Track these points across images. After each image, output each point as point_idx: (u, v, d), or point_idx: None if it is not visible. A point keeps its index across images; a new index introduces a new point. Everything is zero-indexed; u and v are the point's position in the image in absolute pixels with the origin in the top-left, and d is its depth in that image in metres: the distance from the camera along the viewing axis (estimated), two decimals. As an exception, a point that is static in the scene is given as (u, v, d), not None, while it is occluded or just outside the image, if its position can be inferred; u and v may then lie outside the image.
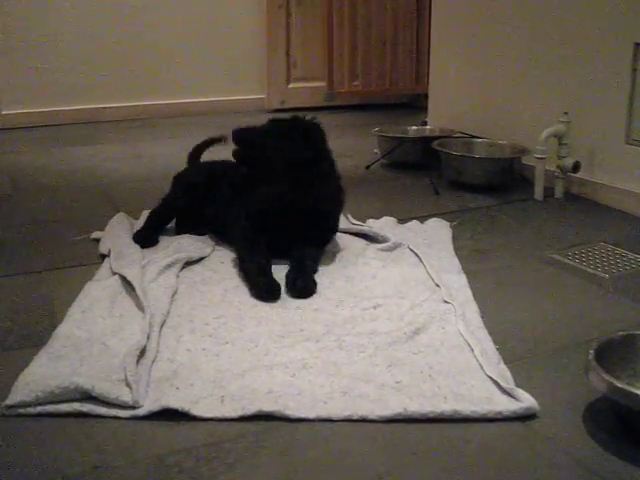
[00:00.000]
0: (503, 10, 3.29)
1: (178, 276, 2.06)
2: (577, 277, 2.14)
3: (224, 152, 2.32)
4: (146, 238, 2.30)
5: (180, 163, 2.67)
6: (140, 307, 1.84)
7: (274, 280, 1.98)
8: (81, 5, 4.43)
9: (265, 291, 1.94)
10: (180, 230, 2.40)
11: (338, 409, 1.43)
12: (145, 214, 2.50)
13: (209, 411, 1.43)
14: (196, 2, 4.72)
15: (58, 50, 4.42)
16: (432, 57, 3.90)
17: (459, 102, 3.66)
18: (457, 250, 2.31)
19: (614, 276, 2.14)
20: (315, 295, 1.96)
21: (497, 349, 1.67)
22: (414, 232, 2.46)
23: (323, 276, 2.07)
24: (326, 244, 2.22)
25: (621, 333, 1.56)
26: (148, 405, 1.44)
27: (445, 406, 1.43)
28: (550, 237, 2.48)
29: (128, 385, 1.47)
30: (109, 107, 4.59)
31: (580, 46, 2.90)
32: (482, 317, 1.83)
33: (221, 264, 2.17)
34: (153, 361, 1.59)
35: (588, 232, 2.52)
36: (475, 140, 3.31)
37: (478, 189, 2.98)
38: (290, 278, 2.00)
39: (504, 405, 1.44)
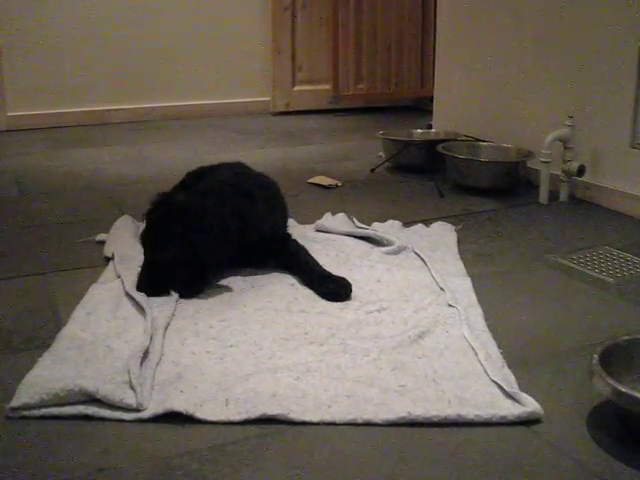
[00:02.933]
0: (508, 13, 3.29)
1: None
2: (582, 281, 2.14)
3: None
4: None
5: (185, 165, 2.67)
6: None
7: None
8: (87, 7, 4.44)
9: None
10: None
11: (342, 413, 1.44)
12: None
13: (213, 414, 1.43)
14: (202, 4, 4.72)
15: (64, 52, 4.42)
16: (437, 60, 3.90)
17: (464, 105, 3.66)
18: (462, 253, 2.31)
19: (619, 280, 2.13)
20: (319, 298, 1.97)
21: (501, 353, 1.67)
22: (419, 235, 2.46)
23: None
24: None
25: (625, 337, 1.56)
26: (152, 408, 1.44)
27: (449, 410, 1.43)
28: (555, 241, 2.47)
29: (132, 388, 1.47)
30: (114, 109, 4.60)
31: (585, 49, 2.89)
32: (486, 321, 1.83)
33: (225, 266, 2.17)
34: (157, 364, 1.60)
35: (593, 236, 2.52)
36: (480, 143, 3.31)
37: (483, 192, 2.97)
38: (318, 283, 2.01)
39: (508, 409, 1.44)
